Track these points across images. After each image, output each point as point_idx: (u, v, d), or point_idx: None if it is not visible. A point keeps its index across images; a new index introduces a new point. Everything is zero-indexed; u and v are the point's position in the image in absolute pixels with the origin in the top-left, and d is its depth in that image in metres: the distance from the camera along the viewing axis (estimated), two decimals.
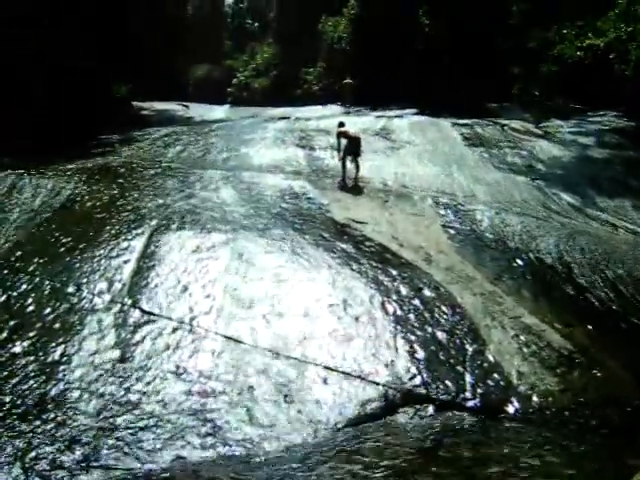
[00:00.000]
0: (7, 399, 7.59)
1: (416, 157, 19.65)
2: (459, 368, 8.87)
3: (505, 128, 23.73)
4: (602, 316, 10.99)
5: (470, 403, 8.35)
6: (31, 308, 9.27)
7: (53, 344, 8.44)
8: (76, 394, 7.59)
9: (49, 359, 8.19)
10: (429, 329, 9.58)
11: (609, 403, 8.57)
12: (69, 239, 11.32)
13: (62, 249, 10.96)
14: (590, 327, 10.37)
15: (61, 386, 7.71)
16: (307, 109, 30.28)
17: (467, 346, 9.33)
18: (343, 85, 33.75)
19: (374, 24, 33.33)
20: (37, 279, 10.02)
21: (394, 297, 10.25)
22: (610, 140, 22.15)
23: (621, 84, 25.20)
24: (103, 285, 9.82)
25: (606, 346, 9.84)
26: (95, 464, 6.57)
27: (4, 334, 8.76)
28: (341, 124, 17.55)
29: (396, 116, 25.28)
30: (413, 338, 9.31)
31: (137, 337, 8.67)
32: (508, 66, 31.53)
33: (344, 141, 16.83)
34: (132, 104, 30.67)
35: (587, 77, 27.32)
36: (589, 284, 11.92)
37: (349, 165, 16.80)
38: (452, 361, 8.99)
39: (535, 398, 8.51)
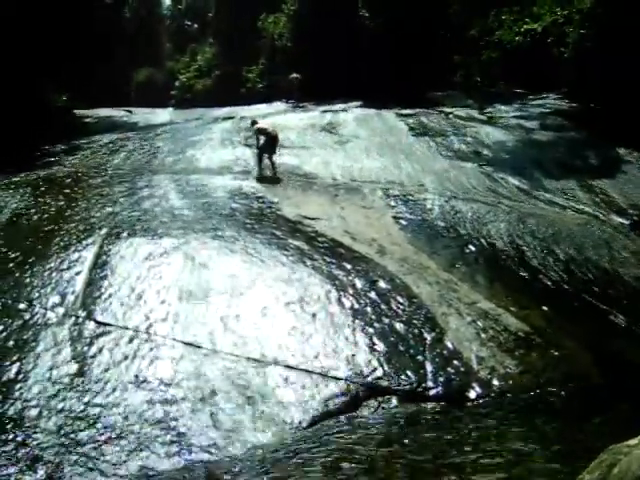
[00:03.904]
0: None
1: (363, 150, 19.71)
2: (419, 358, 8.93)
3: (450, 116, 23.92)
4: (556, 297, 11.18)
5: (432, 392, 8.41)
6: None
7: (8, 362, 8.25)
8: (35, 412, 7.44)
9: (4, 378, 8.00)
10: (387, 321, 9.62)
11: (568, 382, 8.71)
12: (18, 254, 11.10)
13: (11, 264, 10.73)
14: (545, 308, 10.54)
15: (19, 405, 7.55)
16: (252, 108, 30.12)
17: (426, 335, 9.39)
18: (290, 80, 33.58)
19: (314, 19, 33.30)
20: None
21: (350, 291, 10.27)
22: (553, 122, 22.49)
23: (560, 67, 25.59)
24: (56, 299, 9.64)
25: (562, 326, 10.00)
26: None
27: None
28: (254, 122, 18.05)
29: (341, 110, 25.31)
30: (372, 331, 9.34)
31: (94, 349, 8.53)
32: (450, 54, 31.75)
33: (262, 138, 17.13)
34: (74, 113, 30.14)
35: (527, 61, 27.67)
36: (541, 266, 12.12)
37: (265, 161, 17.14)
38: (412, 351, 9.04)
39: (495, 382, 8.61)
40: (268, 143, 16.97)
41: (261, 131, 17.15)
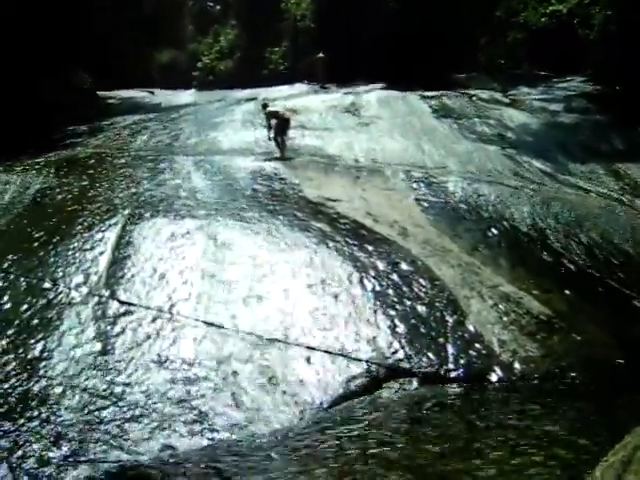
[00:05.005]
0: None
1: (386, 132, 19.63)
2: (441, 340, 8.92)
3: (473, 98, 23.74)
4: (579, 281, 11.10)
5: (453, 374, 8.41)
6: (8, 306, 9.14)
7: (32, 340, 8.35)
8: (59, 389, 7.52)
9: (29, 356, 8.10)
10: (409, 303, 9.61)
11: (590, 366, 8.67)
12: (42, 234, 11.19)
13: (35, 244, 10.83)
14: (568, 292, 10.47)
15: (43, 382, 7.64)
16: (274, 89, 30.04)
17: (447, 318, 9.37)
18: (314, 61, 33.31)
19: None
20: (12, 276, 9.89)
21: (372, 273, 10.26)
22: (578, 105, 22.26)
23: (585, 49, 25.31)
24: (79, 278, 9.72)
25: (584, 310, 9.94)
26: (83, 459, 6.52)
27: None
28: (265, 105, 17.97)
29: (364, 91, 25.18)
30: (393, 313, 9.33)
31: (117, 328, 8.60)
32: (474, 36, 31.46)
33: (274, 121, 17.13)
34: (97, 94, 30.24)
35: (552, 43, 27.37)
36: (565, 250, 12.03)
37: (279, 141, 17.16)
38: (433, 333, 9.03)
39: (517, 365, 8.58)
40: (280, 126, 16.99)
41: (272, 114, 17.17)
